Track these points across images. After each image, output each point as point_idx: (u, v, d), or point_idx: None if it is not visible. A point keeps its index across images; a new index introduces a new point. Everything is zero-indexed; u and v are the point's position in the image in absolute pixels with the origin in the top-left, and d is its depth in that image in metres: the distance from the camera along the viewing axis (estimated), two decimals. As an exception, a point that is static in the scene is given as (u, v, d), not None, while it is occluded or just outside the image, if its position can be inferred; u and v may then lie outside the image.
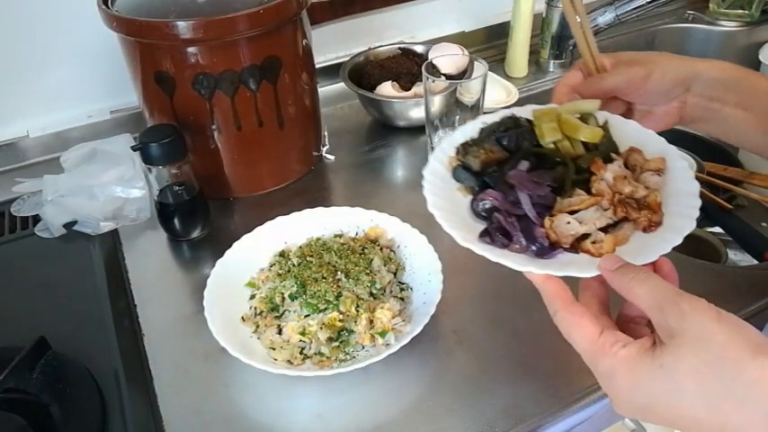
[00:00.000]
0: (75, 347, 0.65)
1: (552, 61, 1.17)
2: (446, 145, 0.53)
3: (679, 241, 0.43)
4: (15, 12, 0.90)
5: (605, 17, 1.10)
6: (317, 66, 0.90)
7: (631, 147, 0.51)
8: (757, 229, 0.92)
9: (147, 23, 0.72)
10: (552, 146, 0.50)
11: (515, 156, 0.50)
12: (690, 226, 0.44)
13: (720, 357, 0.33)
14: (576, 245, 0.45)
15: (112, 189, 0.83)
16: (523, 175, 0.47)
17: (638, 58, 0.56)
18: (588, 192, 0.47)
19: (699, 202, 0.46)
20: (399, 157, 0.97)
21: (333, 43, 1.14)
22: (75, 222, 0.83)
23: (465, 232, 0.45)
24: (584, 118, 0.53)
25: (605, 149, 0.51)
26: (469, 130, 0.55)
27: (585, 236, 0.45)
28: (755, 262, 0.91)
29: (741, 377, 0.33)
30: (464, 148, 0.52)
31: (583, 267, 0.42)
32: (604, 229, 0.45)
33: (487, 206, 0.47)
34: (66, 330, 0.68)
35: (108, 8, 0.76)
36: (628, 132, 0.53)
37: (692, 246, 0.92)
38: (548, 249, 0.44)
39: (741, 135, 0.56)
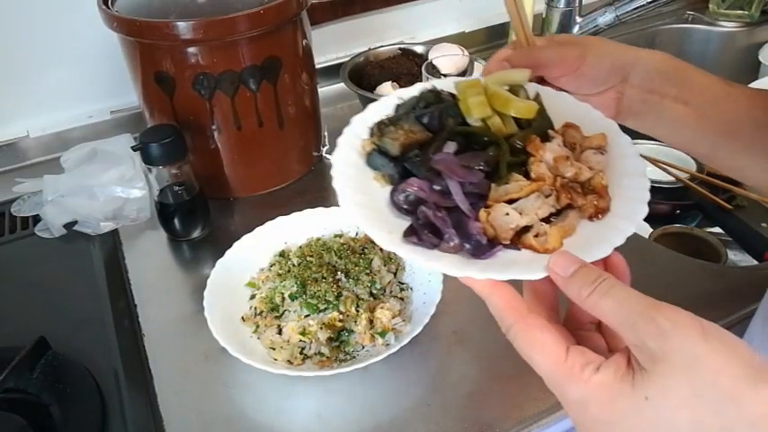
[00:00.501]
0: (75, 347, 0.65)
1: (552, 61, 1.17)
2: (358, 125, 0.45)
3: (632, 230, 0.37)
4: (15, 12, 0.90)
5: (605, 17, 1.10)
6: (317, 66, 0.90)
7: (567, 122, 0.46)
8: (757, 230, 0.92)
9: (147, 24, 0.72)
10: (480, 123, 0.44)
11: (439, 136, 0.43)
12: (642, 211, 0.39)
13: (715, 388, 0.29)
14: (516, 240, 0.39)
15: (112, 189, 0.83)
16: (452, 160, 0.40)
17: (574, 39, 0.52)
18: (526, 176, 0.41)
19: (648, 183, 0.40)
20: (399, 157, 0.97)
21: (333, 43, 1.14)
22: (75, 222, 0.83)
23: (387, 231, 0.38)
24: (514, 90, 0.47)
25: (540, 126, 0.45)
26: (384, 107, 0.47)
27: (526, 228, 0.39)
28: (755, 262, 0.91)
29: (742, 413, 0.29)
30: (379, 129, 0.44)
31: (528, 268, 0.36)
32: (546, 219, 0.40)
33: (411, 198, 0.40)
34: (67, 330, 0.68)
35: (108, 8, 0.76)
36: (561, 106, 0.47)
37: (692, 246, 0.92)
38: (486, 247, 0.37)
39: (679, 131, 0.52)
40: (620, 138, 0.45)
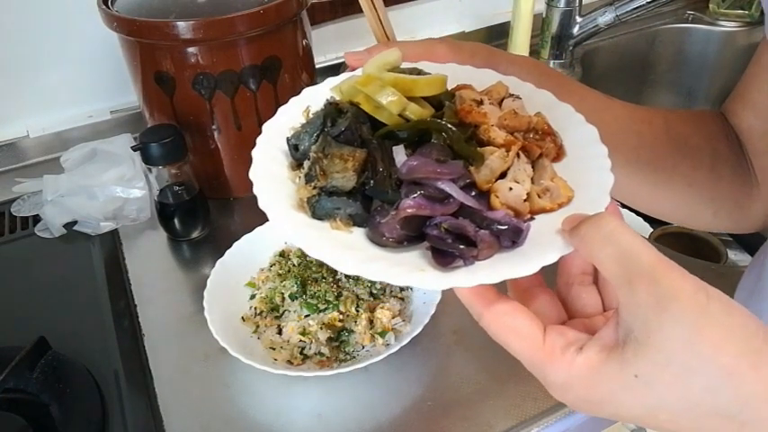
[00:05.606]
0: (75, 347, 0.65)
1: (552, 61, 1.17)
2: (277, 184, 0.40)
3: (611, 176, 0.35)
4: (15, 12, 0.90)
5: (605, 17, 1.10)
6: (316, 66, 0.90)
7: (458, 85, 0.43)
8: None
9: (147, 23, 0.72)
10: (397, 118, 0.40)
11: (374, 148, 0.38)
12: (592, 131, 0.38)
13: (714, 365, 0.27)
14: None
15: (112, 189, 0.83)
16: (424, 162, 0.36)
17: (442, 39, 0.49)
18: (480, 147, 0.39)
19: (582, 117, 0.40)
20: (399, 157, 0.97)
21: (333, 43, 1.14)
22: (75, 222, 0.83)
23: (418, 270, 0.33)
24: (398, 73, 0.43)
25: (447, 96, 0.42)
26: (271, 152, 0.44)
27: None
28: (755, 262, 0.91)
29: (738, 393, 0.27)
30: (319, 168, 0.37)
31: (550, 242, 0.33)
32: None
33: (411, 223, 0.35)
34: (67, 330, 0.68)
35: (108, 8, 0.76)
36: (445, 72, 0.44)
37: (692, 245, 0.92)
38: (521, 229, 0.34)
39: None
40: (523, 87, 0.44)
